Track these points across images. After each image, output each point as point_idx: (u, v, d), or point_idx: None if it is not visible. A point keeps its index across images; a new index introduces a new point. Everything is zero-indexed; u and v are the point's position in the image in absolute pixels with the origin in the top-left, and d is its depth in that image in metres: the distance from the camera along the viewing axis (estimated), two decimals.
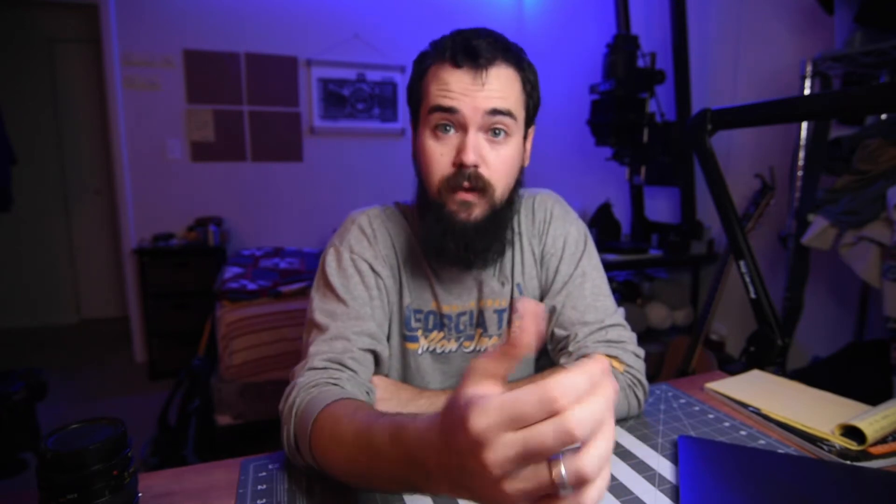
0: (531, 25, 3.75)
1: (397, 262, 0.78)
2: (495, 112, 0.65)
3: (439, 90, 0.66)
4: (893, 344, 1.32)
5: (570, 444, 0.28)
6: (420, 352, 0.79)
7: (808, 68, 1.58)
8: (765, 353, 1.13)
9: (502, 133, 0.67)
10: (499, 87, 0.65)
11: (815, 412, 0.70)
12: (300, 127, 3.45)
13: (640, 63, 2.31)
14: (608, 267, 1.99)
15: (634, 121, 2.27)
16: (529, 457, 0.28)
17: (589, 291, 0.76)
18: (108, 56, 2.99)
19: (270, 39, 3.31)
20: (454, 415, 0.31)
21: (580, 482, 0.28)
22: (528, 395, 0.28)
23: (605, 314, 0.74)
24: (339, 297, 0.71)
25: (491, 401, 0.29)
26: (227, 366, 2.05)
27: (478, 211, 0.68)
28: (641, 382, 0.71)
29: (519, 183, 0.74)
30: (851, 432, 0.64)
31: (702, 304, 1.86)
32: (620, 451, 0.62)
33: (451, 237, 0.68)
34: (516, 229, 0.80)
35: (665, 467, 0.59)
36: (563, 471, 0.28)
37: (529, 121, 0.73)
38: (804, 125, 1.67)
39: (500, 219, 0.70)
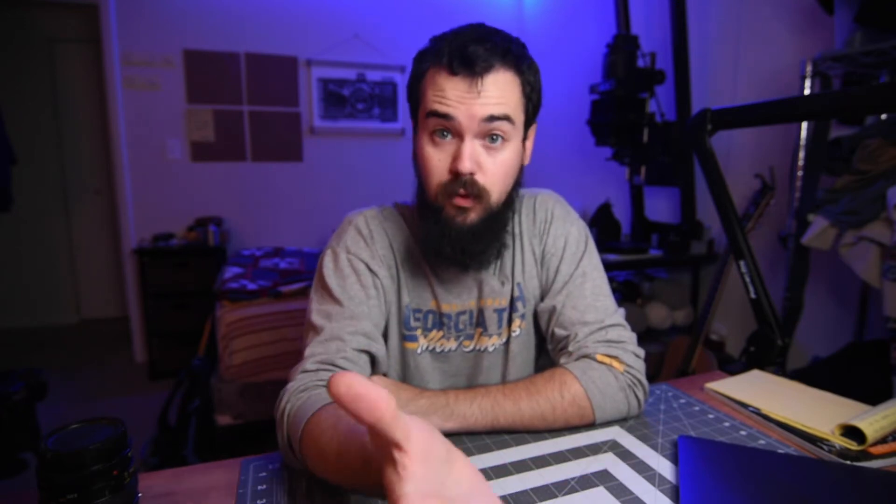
0: (531, 25, 3.75)
1: (395, 262, 0.78)
2: (492, 119, 0.65)
3: (435, 96, 0.65)
4: (893, 344, 1.32)
5: None
6: (419, 351, 0.79)
7: (808, 68, 1.58)
8: (765, 353, 1.13)
9: (499, 139, 0.66)
10: (496, 93, 0.64)
11: (815, 412, 0.70)
12: (300, 127, 3.45)
13: (640, 63, 2.31)
14: (608, 267, 2.00)
15: (634, 121, 2.27)
16: None
17: (589, 291, 0.76)
18: (108, 56, 2.99)
19: (270, 39, 3.31)
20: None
21: None
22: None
23: (605, 314, 0.74)
24: (335, 298, 0.72)
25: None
26: (227, 366, 2.05)
27: (473, 215, 0.68)
28: (641, 382, 0.71)
29: (518, 183, 0.74)
30: (851, 432, 0.64)
31: (702, 304, 1.86)
32: (620, 452, 0.62)
33: (448, 240, 0.69)
34: (517, 229, 0.80)
35: (665, 467, 0.59)
36: None
37: (529, 121, 0.72)
38: (804, 125, 1.67)
39: (497, 221, 0.70)
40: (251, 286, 2.37)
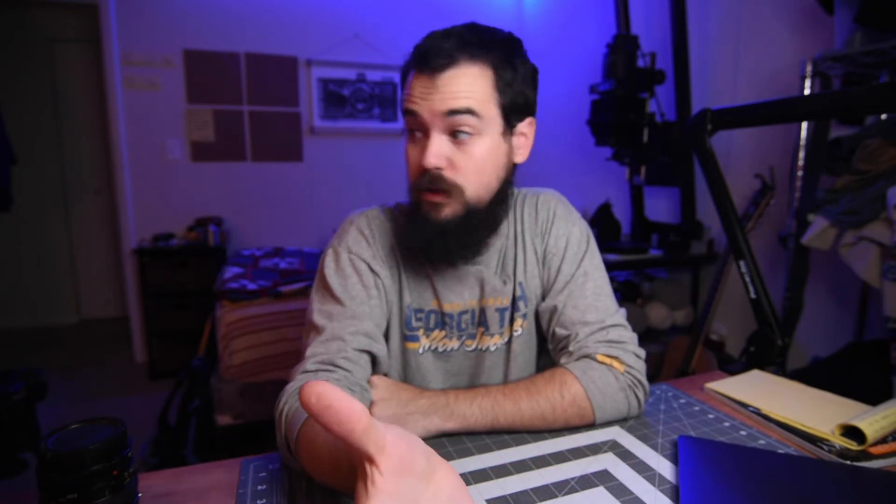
0: (531, 25, 3.75)
1: (397, 261, 0.78)
2: (453, 113, 0.64)
3: (406, 94, 0.68)
4: (893, 344, 1.32)
5: None
6: (421, 351, 0.79)
7: (808, 68, 1.58)
8: (765, 353, 1.13)
9: (466, 133, 0.66)
10: (456, 88, 0.64)
11: (815, 412, 0.70)
12: (300, 127, 3.45)
13: (640, 63, 2.31)
14: (608, 267, 1.99)
15: (634, 121, 2.27)
16: None
17: (590, 291, 0.76)
18: (108, 56, 2.99)
19: (270, 39, 3.31)
20: None
21: None
22: None
23: (606, 314, 0.74)
24: (336, 298, 0.72)
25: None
26: (227, 366, 2.05)
27: (448, 211, 0.68)
28: (642, 383, 0.71)
29: (508, 180, 0.73)
30: (851, 432, 0.64)
31: (702, 304, 1.86)
32: (620, 452, 0.62)
33: (422, 236, 0.70)
34: (519, 228, 0.80)
35: (665, 467, 0.59)
36: None
37: (512, 116, 0.69)
38: (804, 125, 1.67)
39: (479, 218, 0.70)
40: (251, 286, 2.37)
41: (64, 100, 3.67)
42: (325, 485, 0.52)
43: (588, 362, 0.70)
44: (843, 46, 1.47)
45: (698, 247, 2.29)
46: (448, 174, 0.67)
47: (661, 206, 2.63)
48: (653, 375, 1.99)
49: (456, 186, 0.68)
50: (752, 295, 1.13)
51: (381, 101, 3.59)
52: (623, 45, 2.25)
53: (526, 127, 0.73)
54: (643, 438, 0.66)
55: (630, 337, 0.74)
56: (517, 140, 0.73)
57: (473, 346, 0.80)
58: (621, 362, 0.70)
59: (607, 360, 0.70)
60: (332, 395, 0.29)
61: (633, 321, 2.22)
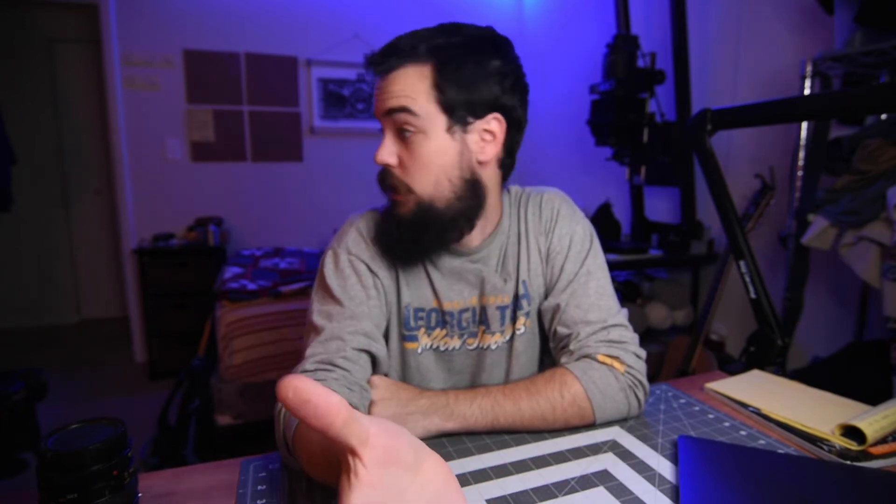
0: (531, 25, 3.75)
1: (394, 261, 0.78)
2: (391, 112, 0.67)
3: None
4: (893, 344, 1.32)
5: None
6: (420, 351, 0.79)
7: (808, 68, 1.58)
8: (765, 353, 1.13)
9: (409, 132, 0.68)
10: (395, 87, 0.67)
11: (815, 412, 0.70)
12: (300, 127, 3.45)
13: (640, 63, 2.31)
14: (608, 267, 1.99)
15: (634, 121, 2.27)
16: None
17: (593, 290, 0.76)
18: (108, 56, 2.99)
19: (270, 39, 3.31)
20: None
21: None
22: None
23: (608, 314, 0.74)
24: (335, 299, 0.73)
25: None
26: (227, 366, 2.05)
27: (403, 209, 0.71)
28: (642, 383, 0.71)
29: (473, 179, 0.71)
30: (851, 432, 0.64)
31: (702, 304, 1.86)
32: (620, 452, 0.62)
33: (387, 232, 0.73)
34: (522, 227, 0.80)
35: (665, 467, 0.59)
36: None
37: (459, 114, 0.68)
38: (804, 125, 1.67)
39: (435, 215, 0.70)
40: (251, 286, 2.37)
41: (64, 100, 3.67)
42: (322, 483, 0.53)
43: (588, 362, 0.70)
44: (843, 46, 1.47)
45: (698, 247, 2.29)
46: (397, 172, 0.70)
47: (661, 206, 2.63)
48: (653, 375, 1.99)
49: (403, 184, 0.70)
50: (752, 295, 1.13)
51: None
52: (623, 45, 2.25)
53: (490, 124, 0.71)
54: (643, 438, 0.66)
55: (631, 337, 0.74)
56: (476, 137, 0.70)
57: (475, 345, 0.80)
58: (622, 362, 0.70)
59: (608, 361, 0.70)
60: (309, 389, 0.29)
61: (633, 321, 2.21)
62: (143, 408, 2.47)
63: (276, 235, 3.47)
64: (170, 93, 3.15)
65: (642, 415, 0.72)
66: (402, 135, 0.68)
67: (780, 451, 0.62)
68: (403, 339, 0.78)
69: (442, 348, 0.80)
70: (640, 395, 0.70)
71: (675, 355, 1.99)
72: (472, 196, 0.71)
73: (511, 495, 0.54)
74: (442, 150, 0.68)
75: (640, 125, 2.29)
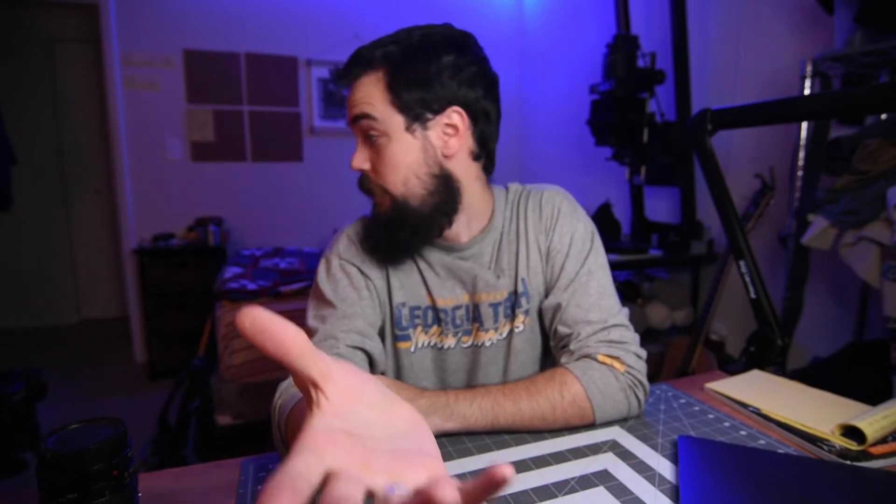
0: (531, 25, 3.75)
1: (385, 263, 0.79)
2: (356, 119, 0.71)
3: None
4: (893, 344, 1.32)
5: None
6: (413, 350, 0.79)
7: (808, 68, 1.58)
8: (765, 353, 1.13)
9: (374, 137, 0.71)
10: (356, 97, 0.70)
11: (815, 412, 0.70)
12: (300, 127, 3.45)
13: (640, 63, 2.31)
14: (609, 266, 1.99)
15: (634, 121, 2.27)
16: None
17: (594, 290, 0.76)
18: (108, 56, 2.99)
19: (270, 39, 3.31)
20: None
21: None
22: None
23: (608, 314, 0.74)
24: (328, 302, 0.74)
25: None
26: (227, 366, 2.05)
27: (382, 209, 0.74)
28: (642, 383, 0.71)
29: (442, 175, 0.72)
30: (851, 432, 0.64)
31: (702, 304, 1.86)
32: (620, 452, 0.62)
33: (371, 232, 0.77)
34: (522, 225, 0.80)
35: (665, 467, 0.59)
36: None
37: (416, 112, 0.70)
38: (804, 125, 1.67)
39: (411, 211, 0.72)
40: (251, 286, 2.37)
41: (64, 100, 3.67)
42: None
43: (588, 362, 0.70)
44: (843, 46, 1.47)
45: (698, 247, 2.29)
46: (371, 175, 0.73)
47: (661, 206, 2.63)
48: (653, 375, 1.99)
49: (377, 186, 0.73)
50: (752, 295, 1.13)
51: None
52: (623, 45, 2.25)
53: (451, 118, 0.71)
54: (643, 438, 0.66)
55: (632, 337, 0.74)
56: (438, 133, 0.72)
57: (469, 343, 0.80)
58: (622, 362, 0.70)
59: (608, 361, 0.70)
60: (266, 318, 0.29)
61: (633, 321, 2.22)
62: (143, 408, 2.47)
63: (276, 235, 3.47)
64: (170, 93, 3.15)
65: (642, 415, 0.72)
66: (370, 140, 0.71)
67: (780, 451, 0.62)
68: (396, 339, 0.79)
69: (439, 346, 0.80)
70: (641, 395, 0.70)
71: (675, 355, 1.99)
72: (444, 190, 0.73)
73: (511, 495, 0.54)
74: (405, 150, 0.71)
75: (640, 125, 2.29)
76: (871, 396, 0.74)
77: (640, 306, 2.34)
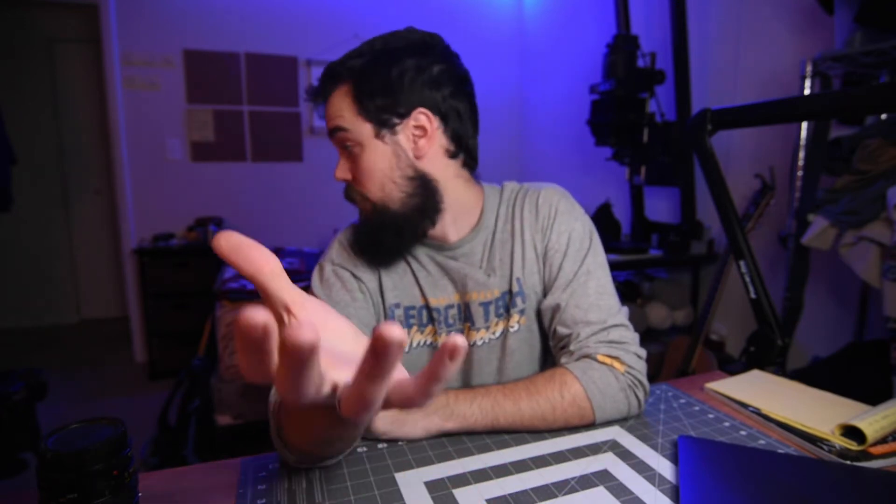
0: (531, 25, 3.75)
1: (377, 265, 0.80)
2: (332, 133, 0.74)
3: None
4: (893, 344, 1.32)
5: None
6: (407, 350, 0.80)
7: (808, 68, 1.58)
8: (765, 353, 1.13)
9: (349, 147, 0.73)
10: (330, 111, 0.73)
11: (815, 412, 0.70)
12: (300, 127, 3.45)
13: (640, 63, 2.31)
14: (608, 266, 1.99)
15: (634, 121, 2.27)
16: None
17: (593, 290, 0.76)
18: (108, 56, 2.99)
19: (270, 39, 3.31)
20: None
21: None
22: None
23: (608, 314, 0.74)
24: None
25: None
26: (227, 366, 2.05)
27: (365, 214, 0.77)
28: (642, 383, 0.71)
29: (415, 177, 0.73)
30: (851, 432, 0.64)
31: (702, 304, 1.86)
32: (620, 451, 0.63)
33: (359, 237, 0.79)
34: (517, 224, 0.80)
35: (665, 467, 0.59)
36: None
37: (383, 119, 0.71)
38: (804, 125, 1.67)
39: (392, 214, 0.74)
40: (251, 286, 2.37)
41: (64, 100, 3.67)
42: (309, 448, 0.54)
43: (588, 362, 0.70)
44: (843, 46, 1.47)
45: (698, 247, 2.29)
46: (353, 184, 0.76)
47: (661, 206, 2.63)
48: (653, 375, 1.99)
49: (359, 194, 0.76)
50: (752, 295, 1.13)
51: None
52: (623, 45, 2.26)
53: (418, 120, 0.72)
54: (643, 438, 0.66)
55: (631, 337, 0.74)
56: (407, 136, 0.73)
57: None
58: (622, 362, 0.70)
59: (608, 361, 0.70)
60: (241, 239, 0.30)
61: (633, 321, 2.22)
62: (143, 408, 2.47)
63: (276, 235, 3.47)
64: (170, 93, 3.15)
65: (642, 415, 0.72)
66: (347, 151, 0.74)
67: (780, 451, 0.62)
68: None
69: (433, 345, 0.81)
70: (640, 394, 0.70)
71: (675, 355, 1.99)
72: (423, 191, 0.74)
73: (511, 495, 0.54)
74: (378, 156, 0.73)
75: (640, 125, 2.29)
76: (871, 396, 0.74)
77: (640, 306, 2.34)
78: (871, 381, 1.44)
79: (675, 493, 0.54)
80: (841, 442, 0.63)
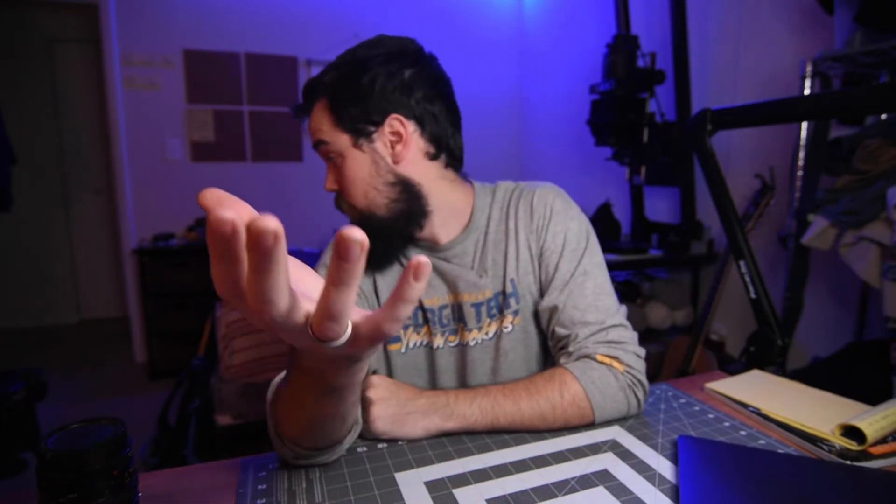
0: (531, 25, 3.75)
1: (371, 268, 0.80)
2: (316, 146, 0.76)
3: None
4: (893, 344, 1.32)
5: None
6: (403, 350, 0.80)
7: (808, 68, 1.58)
8: (765, 353, 1.13)
9: (333, 158, 0.75)
10: (312, 125, 0.76)
11: (815, 412, 0.70)
12: (300, 127, 3.45)
13: (640, 63, 2.31)
14: (608, 267, 1.99)
15: (634, 121, 2.27)
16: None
17: (590, 290, 0.75)
18: (108, 56, 2.99)
19: (270, 39, 3.31)
20: None
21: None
22: None
23: (606, 314, 0.74)
24: None
25: None
26: (227, 366, 2.05)
27: (353, 221, 0.78)
28: (642, 382, 0.71)
29: (397, 182, 0.74)
30: (851, 432, 0.64)
31: (702, 304, 1.86)
32: (620, 451, 0.63)
33: None
34: (511, 225, 0.80)
35: (665, 467, 0.59)
36: None
37: (358, 128, 0.73)
38: (804, 125, 1.67)
39: (379, 220, 0.75)
40: None
41: (64, 100, 3.67)
42: (302, 433, 0.55)
43: (588, 362, 0.70)
44: (843, 46, 1.47)
45: (698, 247, 2.29)
46: (342, 193, 0.78)
47: (661, 206, 2.63)
48: (653, 375, 1.99)
49: (346, 202, 0.78)
50: (752, 295, 1.13)
51: None
52: (623, 45, 2.26)
53: (392, 126, 0.73)
54: (643, 438, 0.66)
55: (630, 337, 0.74)
56: (384, 142, 0.74)
57: (456, 342, 0.81)
58: (621, 362, 0.70)
59: (607, 360, 0.70)
60: (223, 193, 0.32)
61: (633, 321, 2.22)
62: (143, 408, 2.47)
63: None
64: (170, 93, 3.15)
65: (642, 414, 0.72)
66: (332, 162, 0.76)
67: (780, 451, 0.63)
68: (386, 341, 0.80)
69: (429, 345, 0.81)
70: (640, 394, 0.70)
71: (675, 355, 1.99)
72: (406, 196, 0.75)
73: (511, 495, 0.54)
74: (358, 165, 0.74)
75: (640, 125, 2.29)
76: (871, 396, 0.74)
77: (640, 306, 2.34)
78: (871, 381, 1.44)
79: (675, 493, 0.54)
80: (841, 442, 0.63)
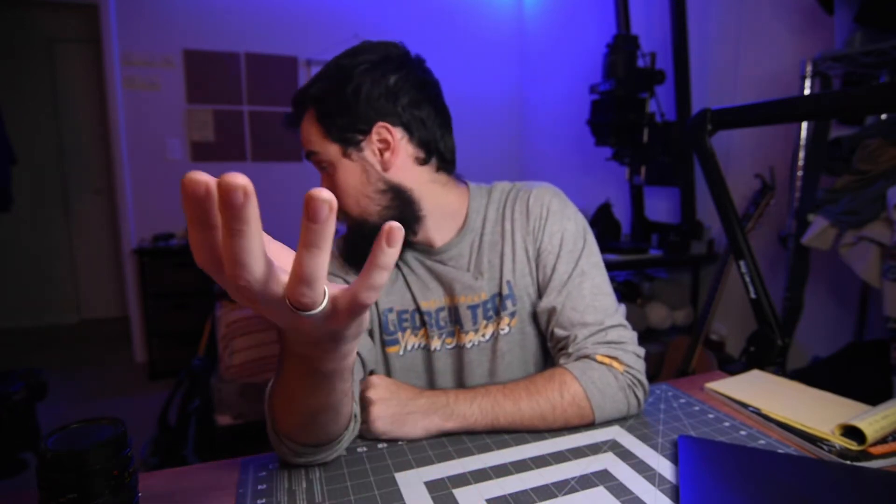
0: (531, 25, 3.75)
1: None
2: (308, 156, 0.77)
3: None
4: (893, 344, 1.32)
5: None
6: (402, 353, 0.80)
7: (808, 68, 1.58)
8: (765, 353, 1.13)
9: (324, 168, 0.76)
10: (303, 136, 0.76)
11: (815, 412, 0.70)
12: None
13: (640, 63, 2.31)
14: (608, 267, 1.99)
15: (634, 121, 2.27)
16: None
17: (588, 291, 0.75)
18: (108, 56, 2.99)
19: (270, 39, 3.31)
20: None
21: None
22: None
23: (605, 314, 0.74)
24: None
25: None
26: (227, 366, 2.05)
27: (348, 229, 0.80)
28: (641, 382, 0.71)
29: (388, 189, 0.75)
30: (851, 432, 0.64)
31: (702, 304, 1.86)
32: (620, 451, 0.63)
33: (346, 249, 0.81)
34: (507, 226, 0.80)
35: (665, 467, 0.59)
36: None
37: (347, 137, 0.73)
38: (804, 125, 1.67)
39: (371, 227, 0.75)
40: None
41: (64, 100, 3.67)
42: (298, 426, 0.55)
43: (587, 362, 0.70)
44: (843, 46, 1.47)
45: (698, 247, 2.29)
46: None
47: (661, 206, 2.63)
48: (653, 375, 2.00)
49: (340, 211, 0.77)
50: (752, 295, 1.13)
51: None
52: (623, 45, 2.26)
53: (380, 134, 0.73)
54: (643, 438, 0.66)
55: (630, 336, 0.74)
56: (373, 150, 0.74)
57: (453, 344, 0.81)
58: (620, 362, 0.70)
59: (606, 360, 0.70)
60: (208, 177, 0.31)
61: (633, 321, 2.21)
62: (143, 408, 2.47)
63: (276, 236, 3.42)
64: (170, 93, 3.15)
65: (642, 414, 0.72)
66: (324, 172, 0.77)
67: (780, 451, 0.63)
68: (384, 343, 0.80)
69: (426, 348, 0.81)
70: (640, 394, 0.70)
71: (675, 355, 1.99)
72: (398, 203, 0.75)
73: (511, 495, 0.54)
74: (349, 174, 0.74)
75: (640, 125, 2.29)
76: (871, 396, 0.74)
77: (640, 306, 2.34)
78: (871, 381, 1.44)
79: (675, 493, 0.54)
80: (841, 442, 0.63)
